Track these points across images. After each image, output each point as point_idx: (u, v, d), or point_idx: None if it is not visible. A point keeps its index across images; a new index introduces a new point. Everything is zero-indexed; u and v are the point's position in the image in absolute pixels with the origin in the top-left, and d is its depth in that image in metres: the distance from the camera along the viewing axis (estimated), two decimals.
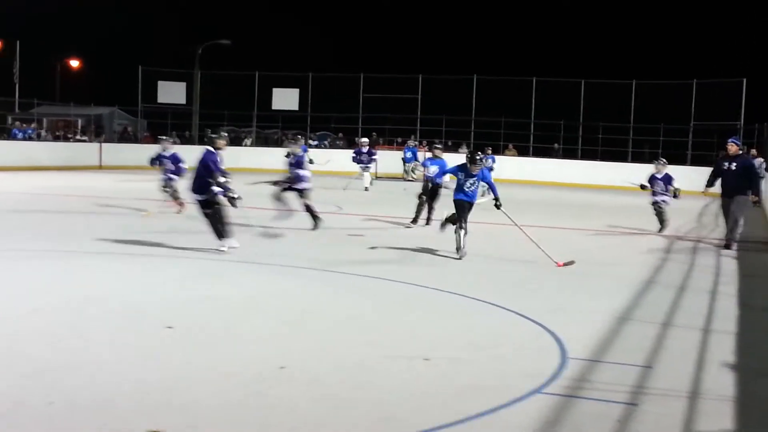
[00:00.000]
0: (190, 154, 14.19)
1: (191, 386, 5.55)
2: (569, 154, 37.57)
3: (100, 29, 56.74)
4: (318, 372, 5.94)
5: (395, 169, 32.45)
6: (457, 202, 11.80)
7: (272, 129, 43.29)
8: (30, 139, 36.41)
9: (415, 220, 15.38)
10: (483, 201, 13.67)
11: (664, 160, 16.48)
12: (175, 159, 16.64)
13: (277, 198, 14.69)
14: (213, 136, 11.90)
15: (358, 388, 5.65)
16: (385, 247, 12.42)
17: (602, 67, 40.98)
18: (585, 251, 12.70)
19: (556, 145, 38.81)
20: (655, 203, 15.90)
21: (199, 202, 11.29)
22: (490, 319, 7.98)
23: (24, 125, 38.74)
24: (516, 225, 11.90)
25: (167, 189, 16.41)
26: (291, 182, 14.55)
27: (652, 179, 15.91)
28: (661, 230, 15.75)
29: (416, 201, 15.58)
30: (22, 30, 42.42)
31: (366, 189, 25.11)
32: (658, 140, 35.32)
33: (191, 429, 4.81)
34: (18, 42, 40.92)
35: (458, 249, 11.55)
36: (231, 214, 11.62)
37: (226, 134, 12.34)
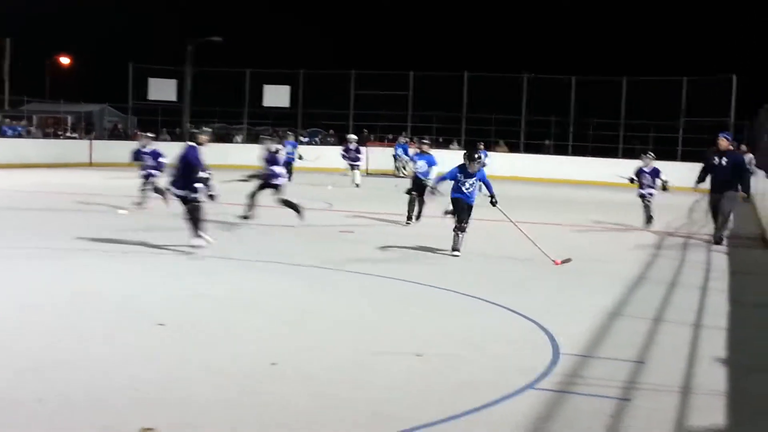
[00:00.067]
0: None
1: (187, 383, 5.56)
2: (560, 150, 37.64)
3: (91, 26, 56.55)
4: (314, 369, 5.96)
5: (386, 166, 32.47)
6: (455, 201, 11.66)
7: (263, 126, 43.20)
8: (20, 136, 36.27)
9: (410, 218, 15.39)
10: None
11: (652, 154, 16.57)
12: (155, 155, 16.46)
13: (252, 197, 14.46)
14: (195, 131, 11.66)
15: (353, 385, 5.66)
16: (382, 245, 12.41)
17: (593, 64, 41.01)
18: (577, 248, 12.73)
19: (547, 142, 38.87)
20: (642, 196, 15.98)
21: (180, 197, 11.14)
22: (485, 317, 8.00)
23: (14, 122, 38.60)
24: (512, 222, 11.92)
25: (147, 186, 16.27)
26: (265, 178, 14.42)
27: (640, 172, 16.01)
28: (647, 224, 15.80)
29: (406, 198, 15.59)
30: (11, 27, 42.27)
31: (357, 185, 25.12)
32: (649, 136, 35.41)
33: (187, 426, 4.82)
34: (8, 40, 40.78)
35: (454, 248, 11.55)
36: (214, 211, 11.55)
37: (208, 129, 12.05)
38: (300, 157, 27.51)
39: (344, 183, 24.95)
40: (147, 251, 11.03)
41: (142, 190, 16.28)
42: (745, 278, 11.08)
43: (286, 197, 14.43)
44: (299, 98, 39.81)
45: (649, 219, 15.89)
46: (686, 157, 32.71)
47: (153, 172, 16.27)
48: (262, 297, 8.55)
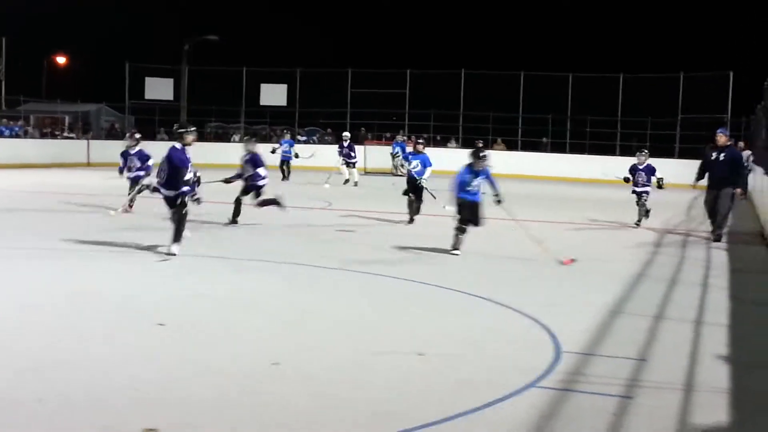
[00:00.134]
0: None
1: (187, 383, 5.55)
2: (558, 147, 37.59)
3: (88, 26, 56.42)
4: (314, 369, 5.94)
5: (384, 164, 32.44)
6: (460, 201, 11.51)
7: (260, 125, 43.17)
8: (17, 136, 36.19)
9: (412, 219, 15.36)
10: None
11: (646, 151, 16.50)
12: (141, 156, 15.98)
13: (238, 202, 14.23)
14: (181, 131, 11.18)
15: (354, 385, 5.65)
16: (382, 244, 12.41)
17: (590, 61, 41.01)
18: (576, 246, 12.73)
19: (544, 139, 38.82)
20: (637, 194, 15.89)
21: (166, 198, 10.93)
22: (486, 316, 7.99)
23: (11, 122, 38.51)
24: (517, 221, 11.88)
25: (133, 188, 15.90)
26: (246, 180, 14.16)
27: (634, 170, 15.93)
28: (639, 222, 15.72)
29: (405, 199, 15.57)
30: (7, 27, 42.14)
31: (356, 184, 25.09)
32: (646, 133, 35.40)
33: (187, 426, 4.80)
34: (3, 39, 40.66)
35: (454, 247, 11.50)
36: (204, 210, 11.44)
37: (194, 128, 11.54)
38: (296, 156, 27.50)
39: (337, 181, 24.82)
40: (147, 251, 10.99)
41: (132, 192, 15.89)
42: (744, 274, 11.08)
43: (262, 198, 14.21)
44: (296, 97, 39.76)
45: (646, 213, 15.78)
46: (683, 154, 32.69)
47: (140, 174, 15.79)
48: (262, 297, 8.52)
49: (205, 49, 40.18)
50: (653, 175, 15.81)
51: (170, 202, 10.89)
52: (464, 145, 34.28)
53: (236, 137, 40.69)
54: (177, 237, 10.72)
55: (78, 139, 37.88)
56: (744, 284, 10.32)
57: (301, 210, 16.36)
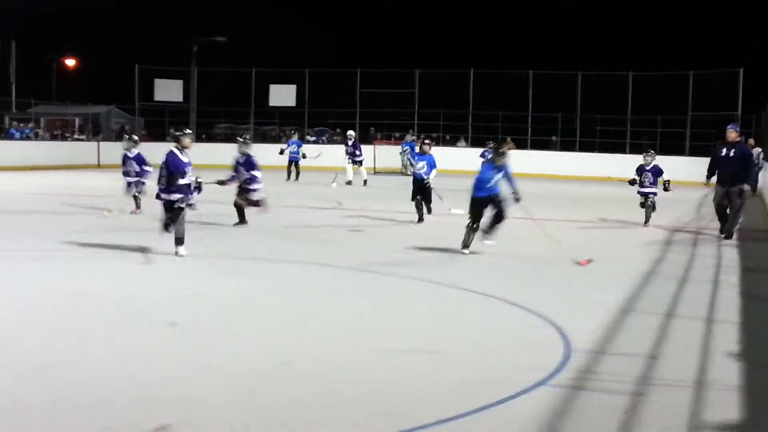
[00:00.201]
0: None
1: (187, 383, 5.49)
2: (567, 146, 37.47)
3: (97, 28, 56.63)
4: (317, 368, 5.88)
5: (394, 164, 32.40)
6: (475, 201, 11.35)
7: (270, 125, 43.20)
8: (28, 138, 36.31)
9: (421, 218, 15.29)
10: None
11: (653, 152, 16.29)
12: (140, 160, 15.78)
13: (237, 205, 14.17)
14: (177, 134, 10.96)
15: (358, 384, 5.58)
16: (392, 244, 12.35)
17: (599, 59, 40.91)
18: (586, 244, 12.63)
19: (554, 138, 38.72)
20: (644, 195, 15.69)
21: (164, 202, 10.78)
22: (494, 314, 7.91)
23: (21, 125, 38.64)
24: (535, 221, 11.78)
25: (129, 191, 15.73)
26: (243, 183, 13.99)
27: (641, 170, 15.73)
28: (647, 223, 15.52)
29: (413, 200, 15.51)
30: (18, 30, 42.32)
31: (364, 182, 25.06)
32: (656, 131, 35.25)
33: (187, 426, 4.74)
34: (14, 42, 40.81)
35: (464, 245, 11.42)
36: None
37: (189, 131, 11.27)
38: (304, 156, 27.49)
39: (343, 181, 24.77)
40: (147, 252, 10.93)
41: (133, 195, 15.76)
42: (755, 272, 10.98)
43: (252, 198, 14.03)
44: (305, 97, 39.74)
45: (653, 207, 15.55)
46: (693, 152, 32.56)
47: (137, 177, 15.66)
48: (262, 297, 8.46)
49: (214, 50, 40.29)
50: (660, 176, 15.58)
51: (167, 205, 10.80)
52: (473, 145, 34.23)
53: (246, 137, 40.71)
54: (180, 240, 10.65)
55: (88, 140, 37.97)
56: (755, 281, 10.22)
57: (309, 210, 16.32)
